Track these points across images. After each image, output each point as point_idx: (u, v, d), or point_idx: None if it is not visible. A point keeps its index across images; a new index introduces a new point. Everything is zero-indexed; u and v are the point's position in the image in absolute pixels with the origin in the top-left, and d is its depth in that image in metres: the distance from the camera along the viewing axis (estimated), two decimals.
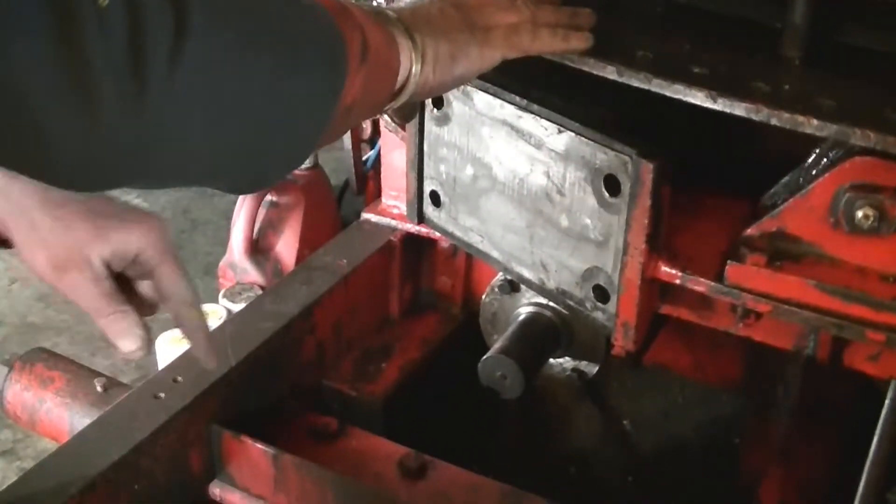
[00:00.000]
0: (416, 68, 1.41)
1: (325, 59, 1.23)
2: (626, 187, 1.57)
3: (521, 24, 1.51)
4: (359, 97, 1.30)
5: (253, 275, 3.14)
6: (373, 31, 1.32)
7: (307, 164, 3.22)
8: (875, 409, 1.64)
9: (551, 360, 2.08)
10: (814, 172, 1.55)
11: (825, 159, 1.54)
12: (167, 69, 1.01)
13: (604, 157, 1.58)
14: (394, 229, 2.35)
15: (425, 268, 2.43)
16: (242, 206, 3.33)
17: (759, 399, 2.09)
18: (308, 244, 3.07)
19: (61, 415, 2.20)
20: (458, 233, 1.89)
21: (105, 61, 0.96)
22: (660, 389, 2.29)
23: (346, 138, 3.19)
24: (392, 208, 2.36)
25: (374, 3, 1.57)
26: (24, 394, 2.26)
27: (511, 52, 1.50)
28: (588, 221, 1.64)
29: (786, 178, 1.63)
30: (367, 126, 3.27)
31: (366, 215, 2.41)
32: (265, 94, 1.16)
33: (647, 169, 1.52)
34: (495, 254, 1.83)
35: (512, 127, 1.70)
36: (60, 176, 1.08)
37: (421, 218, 1.96)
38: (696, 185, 1.74)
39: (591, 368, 2.07)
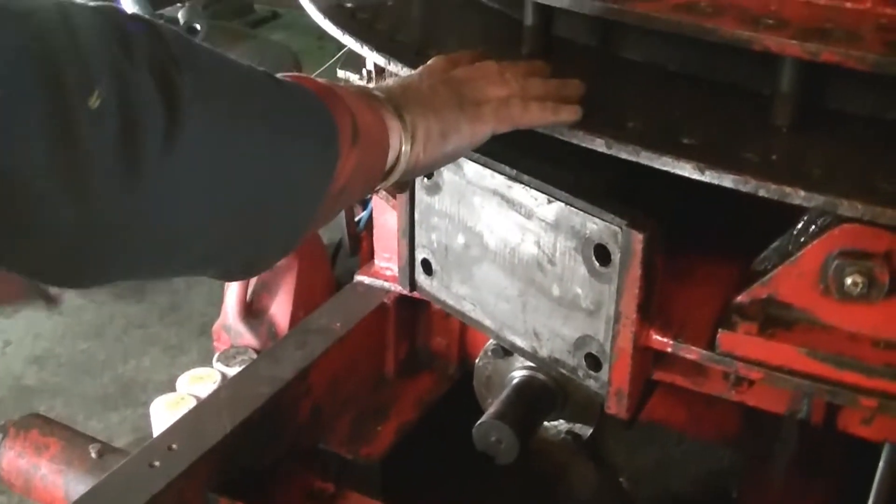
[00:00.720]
0: (406, 148, 1.41)
1: (317, 143, 1.25)
2: (616, 257, 1.57)
3: (511, 98, 1.52)
4: (350, 179, 1.31)
5: (247, 337, 3.14)
6: (363, 112, 1.34)
7: None
8: (871, 464, 1.64)
9: (546, 423, 2.08)
10: (803, 239, 1.55)
11: (814, 225, 1.55)
12: (159, 161, 1.02)
13: (594, 226, 1.59)
14: (387, 291, 2.36)
15: (420, 328, 2.44)
16: None
17: (755, 453, 2.09)
18: (302, 306, 3.07)
19: (56, 482, 2.21)
20: (450, 301, 1.89)
21: (99, 158, 0.98)
22: (656, 444, 2.29)
23: None
24: (385, 270, 2.37)
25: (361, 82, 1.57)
26: (18, 460, 2.26)
27: (501, 127, 1.51)
28: (579, 290, 1.65)
29: (776, 243, 1.63)
30: None
31: (359, 277, 2.42)
32: (258, 181, 1.17)
33: (638, 239, 1.53)
34: (487, 322, 1.84)
35: (502, 196, 1.70)
36: (55, 270, 1.08)
37: (413, 286, 1.96)
38: (689, 245, 1.74)
39: (586, 430, 2.07)
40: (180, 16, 5.03)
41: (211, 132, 1.09)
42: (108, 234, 1.03)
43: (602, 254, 1.60)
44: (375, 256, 2.45)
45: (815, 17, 1.44)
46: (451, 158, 1.53)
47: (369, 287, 2.41)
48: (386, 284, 2.37)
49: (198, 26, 4.98)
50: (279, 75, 1.29)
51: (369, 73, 2.25)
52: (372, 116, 1.37)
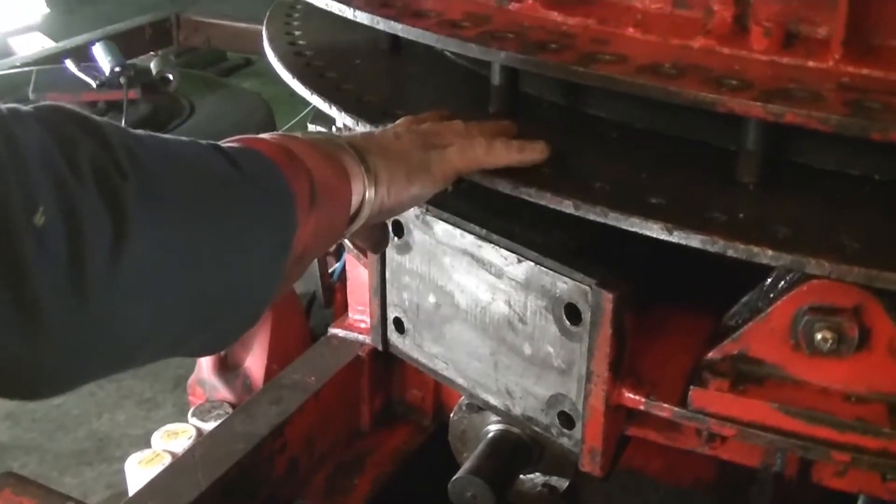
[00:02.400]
0: (369, 193, 1.41)
1: (272, 223, 1.24)
2: (586, 316, 1.57)
3: (476, 140, 1.54)
4: (311, 241, 1.30)
5: (223, 391, 3.13)
6: (321, 168, 1.33)
7: None
8: None
9: (522, 475, 2.07)
10: (772, 294, 1.56)
11: (783, 281, 1.55)
12: (107, 275, 1.00)
13: (564, 286, 1.59)
14: (362, 344, 2.37)
15: (395, 380, 2.44)
16: None
17: (733, 499, 2.09)
18: (277, 359, 3.06)
19: None
20: (422, 359, 1.89)
21: (44, 276, 0.95)
22: (634, 492, 2.29)
23: None
24: (359, 323, 2.37)
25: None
26: None
27: (466, 166, 1.53)
28: (551, 349, 1.65)
29: (746, 298, 1.64)
30: None
31: (333, 330, 2.42)
32: (211, 277, 1.16)
33: (608, 298, 1.53)
34: (460, 380, 1.83)
35: (472, 256, 1.70)
36: (6, 390, 1.05)
37: (385, 345, 1.96)
38: (661, 297, 1.75)
39: (562, 483, 2.07)
40: (152, 65, 5.03)
41: (159, 239, 1.07)
42: (59, 353, 1.00)
43: (572, 313, 1.60)
44: (349, 309, 2.45)
45: (778, 76, 1.45)
46: (417, 200, 1.53)
47: (343, 340, 2.41)
48: (360, 337, 2.37)
49: (170, 76, 4.98)
50: (230, 142, 1.29)
51: (339, 129, 2.25)
52: (332, 169, 1.37)
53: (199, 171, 1.17)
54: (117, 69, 4.79)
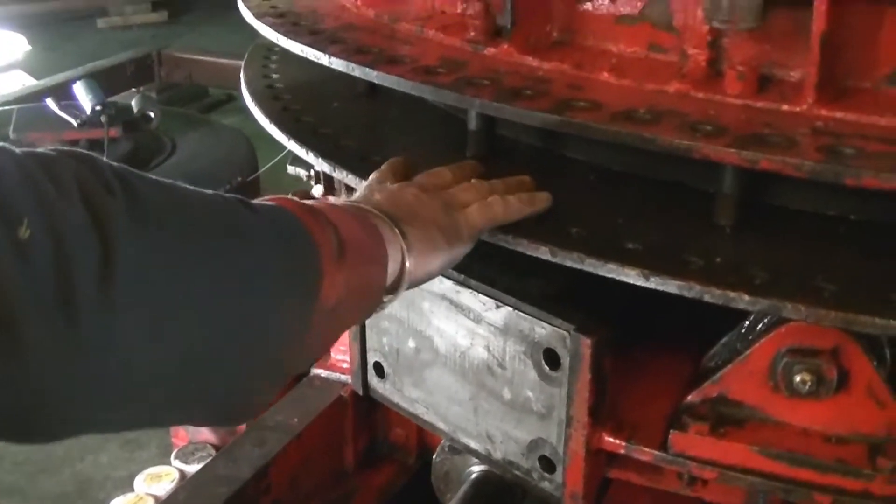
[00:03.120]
0: (409, 260, 1.39)
1: (291, 260, 1.18)
2: (565, 361, 1.57)
3: (490, 198, 1.53)
4: (343, 296, 1.24)
5: (205, 433, 3.11)
6: (350, 226, 1.30)
7: None
8: None
9: None
10: (751, 336, 1.56)
11: (762, 323, 1.55)
12: (97, 296, 0.92)
13: (542, 331, 1.59)
14: (344, 384, 2.35)
15: (379, 419, 2.43)
16: None
17: None
18: None
19: None
20: (403, 404, 1.89)
21: (27, 291, 0.88)
22: None
23: None
24: (341, 363, 2.36)
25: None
26: None
27: (489, 225, 1.52)
28: (530, 394, 1.65)
29: (725, 339, 1.64)
30: None
31: (315, 370, 2.41)
32: (217, 308, 1.06)
33: (586, 343, 1.53)
34: (441, 425, 1.83)
35: (451, 301, 1.70)
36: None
37: (366, 389, 1.96)
38: (640, 338, 1.75)
39: None
40: (134, 103, 5.03)
41: (153, 262, 0.98)
42: (46, 382, 0.92)
43: (551, 358, 1.60)
44: (331, 349, 2.44)
45: (753, 120, 1.45)
46: (449, 265, 1.51)
47: (326, 380, 2.40)
48: (343, 377, 2.36)
49: (151, 114, 4.98)
50: (258, 200, 1.24)
51: (318, 173, 2.25)
52: (363, 228, 1.33)
53: (198, 202, 1.11)
54: (98, 107, 4.79)
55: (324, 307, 1.21)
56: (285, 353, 1.21)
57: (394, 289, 1.40)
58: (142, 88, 6.61)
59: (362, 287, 1.32)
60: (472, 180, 1.58)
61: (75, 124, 4.79)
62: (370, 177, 1.62)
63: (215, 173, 4.72)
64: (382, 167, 1.64)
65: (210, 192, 1.16)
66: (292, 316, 1.18)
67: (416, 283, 1.45)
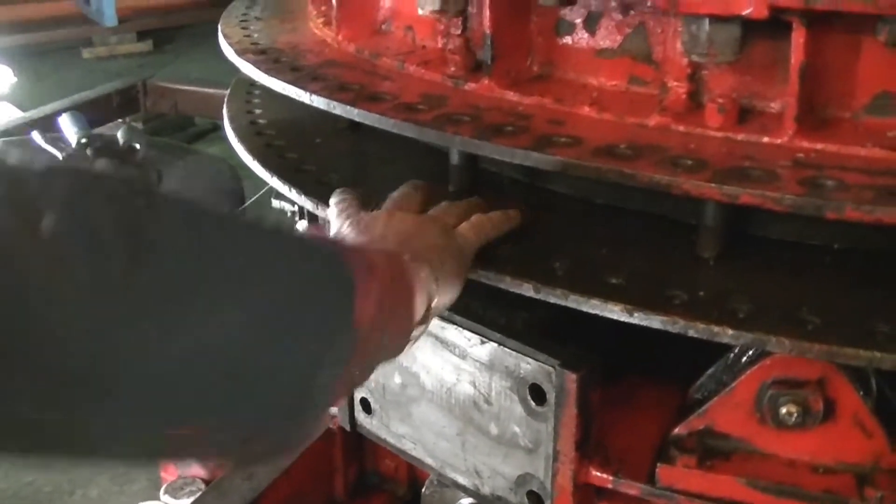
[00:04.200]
0: (433, 288, 1.38)
1: (328, 283, 1.16)
2: (551, 396, 1.57)
3: (474, 217, 1.56)
4: (377, 318, 1.20)
5: (195, 467, 3.10)
6: (373, 254, 1.30)
7: None
8: None
9: None
10: (737, 367, 1.56)
11: (747, 354, 1.55)
12: (126, 282, 0.89)
13: (527, 366, 1.59)
14: (333, 416, 2.33)
15: (368, 450, 2.42)
16: None
17: None
18: None
19: None
20: (390, 439, 1.88)
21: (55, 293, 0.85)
22: None
23: None
24: None
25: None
26: None
27: (483, 242, 1.54)
28: (517, 429, 1.64)
29: (712, 369, 1.64)
30: None
31: None
32: (242, 326, 1.01)
33: (572, 379, 1.53)
34: (429, 460, 1.82)
35: (436, 337, 1.70)
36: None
37: (353, 425, 1.95)
38: (628, 369, 1.74)
39: None
40: (119, 135, 5.01)
41: (180, 260, 0.94)
42: (70, 374, 0.87)
43: (537, 393, 1.59)
44: None
45: (733, 153, 1.46)
46: (457, 295, 1.49)
47: None
48: (332, 409, 2.35)
49: (137, 146, 4.97)
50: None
51: (302, 208, 2.25)
52: (388, 260, 1.31)
53: (225, 217, 1.08)
54: (83, 140, 4.77)
55: (360, 327, 1.17)
56: (326, 375, 1.14)
57: (423, 321, 1.39)
58: (128, 119, 6.59)
59: (395, 308, 1.28)
60: (443, 203, 1.59)
61: (61, 157, 4.77)
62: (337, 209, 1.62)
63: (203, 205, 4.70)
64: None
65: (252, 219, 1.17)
66: (324, 346, 1.12)
67: (436, 315, 1.46)
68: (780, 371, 1.50)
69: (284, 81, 1.84)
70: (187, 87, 6.70)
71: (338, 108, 1.72)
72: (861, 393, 1.51)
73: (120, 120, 6.46)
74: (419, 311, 1.36)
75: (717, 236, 1.54)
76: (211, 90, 6.10)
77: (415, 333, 1.39)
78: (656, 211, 1.66)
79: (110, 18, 9.79)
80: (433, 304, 1.40)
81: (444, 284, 1.41)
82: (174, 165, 5.12)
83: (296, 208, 2.27)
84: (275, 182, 1.89)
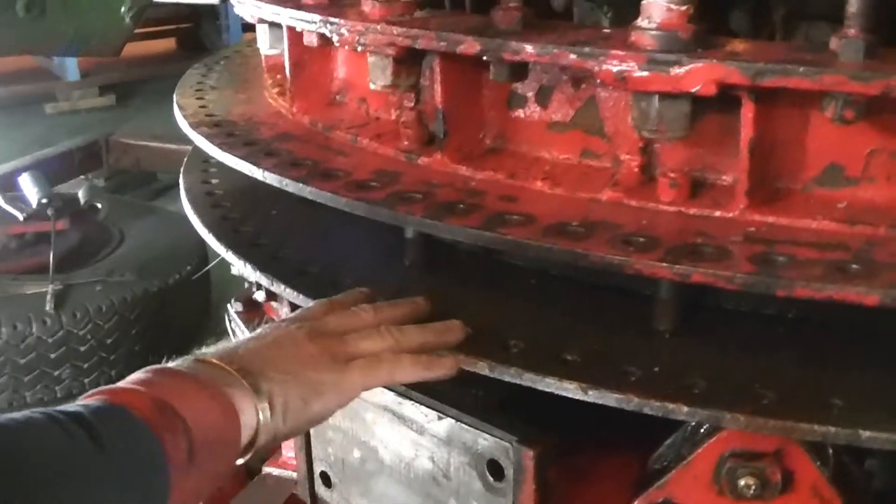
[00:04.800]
0: (263, 418, 1.37)
1: (138, 490, 1.20)
2: (509, 472, 1.56)
3: (383, 353, 1.50)
4: (191, 495, 1.27)
5: None
6: (204, 414, 1.30)
7: None
8: None
9: None
10: (695, 440, 1.55)
11: (705, 426, 1.55)
12: None
13: (485, 442, 1.58)
14: (296, 482, 2.32)
15: None
16: None
17: None
18: (212, 500, 3.01)
19: None
20: None
21: None
22: None
23: None
24: (292, 460, 2.33)
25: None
26: None
27: (371, 384, 1.50)
28: None
29: (671, 439, 1.63)
30: None
31: (267, 469, 2.38)
32: None
33: (529, 455, 1.52)
34: None
35: (394, 413, 1.69)
36: None
37: (313, 499, 1.94)
38: (586, 441, 1.74)
39: None
40: (80, 194, 5.00)
41: None
42: None
43: (495, 469, 1.59)
44: (282, 447, 2.41)
45: (686, 229, 1.46)
46: (316, 422, 1.49)
47: (278, 479, 2.38)
48: (295, 475, 2.33)
49: (98, 204, 4.96)
50: (99, 394, 1.25)
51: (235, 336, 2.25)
52: (217, 411, 1.32)
53: (34, 450, 1.14)
54: (44, 200, 4.75)
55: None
56: None
57: (245, 452, 1.39)
58: (90, 176, 6.58)
59: (211, 478, 1.33)
60: (382, 327, 1.53)
61: (21, 218, 4.75)
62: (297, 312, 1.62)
63: (164, 264, 4.69)
64: (311, 304, 1.64)
65: (39, 421, 1.17)
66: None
67: (272, 443, 1.44)
68: (737, 443, 1.50)
69: (238, 157, 1.84)
70: (150, 143, 6.69)
71: (290, 186, 1.71)
72: (818, 463, 1.50)
73: (82, 176, 6.44)
74: (244, 441, 1.37)
75: (672, 309, 1.54)
76: (174, 146, 6.07)
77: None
78: (612, 283, 1.65)
79: (73, 72, 9.80)
80: (259, 435, 1.38)
81: (284, 414, 1.40)
82: (137, 224, 5.11)
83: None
84: (230, 257, 1.89)
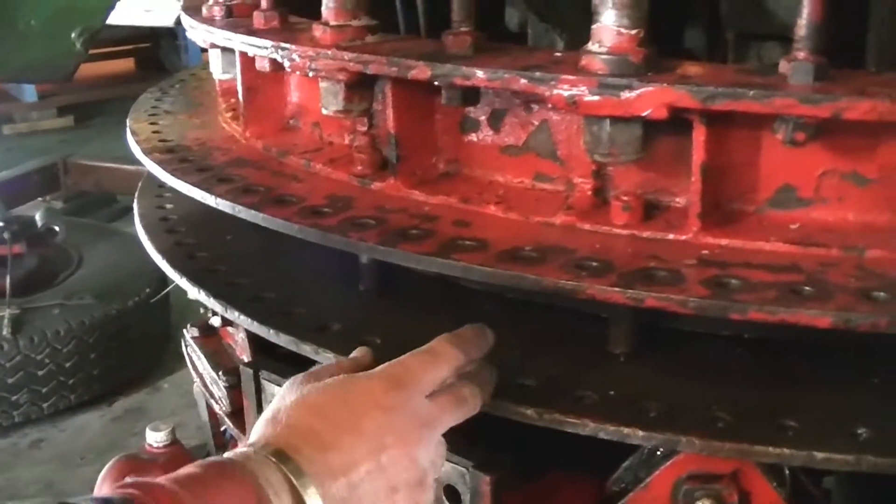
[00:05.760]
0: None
1: None
2: (466, 497, 1.55)
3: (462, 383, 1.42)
4: None
5: None
6: None
7: (165, 440, 3.14)
8: None
9: None
10: (652, 462, 1.55)
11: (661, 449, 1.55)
12: None
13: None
14: None
15: None
16: (104, 482, 3.24)
17: None
18: None
19: None
20: None
21: None
22: None
23: (203, 410, 3.14)
24: None
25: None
26: None
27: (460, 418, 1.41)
28: None
29: (629, 461, 1.63)
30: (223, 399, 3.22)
31: None
32: None
33: (485, 481, 1.51)
34: None
35: None
36: None
37: None
38: (544, 465, 1.73)
39: None
40: (38, 217, 4.98)
41: None
42: None
43: (452, 495, 1.57)
44: None
45: (640, 253, 1.46)
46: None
47: None
48: None
49: (56, 227, 4.93)
50: (124, 488, 1.13)
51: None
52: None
53: None
54: (0, 223, 4.72)
55: None
56: None
57: None
58: (48, 198, 6.54)
59: None
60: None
61: None
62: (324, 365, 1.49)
63: (123, 287, 4.67)
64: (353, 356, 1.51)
65: None
66: None
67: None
68: (694, 466, 1.50)
69: (190, 184, 1.83)
70: (109, 165, 6.66)
71: (243, 213, 1.70)
72: (775, 484, 1.50)
73: (40, 199, 6.41)
74: None
75: (627, 332, 1.55)
76: (133, 167, 6.04)
77: None
78: (568, 306, 1.65)
79: (30, 93, 9.74)
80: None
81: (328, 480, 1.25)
82: (96, 247, 5.08)
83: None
84: (184, 283, 1.87)
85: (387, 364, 1.38)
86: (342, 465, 1.25)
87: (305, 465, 1.22)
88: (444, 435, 1.41)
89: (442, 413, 1.36)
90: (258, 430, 1.28)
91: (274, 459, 1.21)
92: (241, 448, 1.25)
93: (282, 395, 1.33)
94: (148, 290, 4.66)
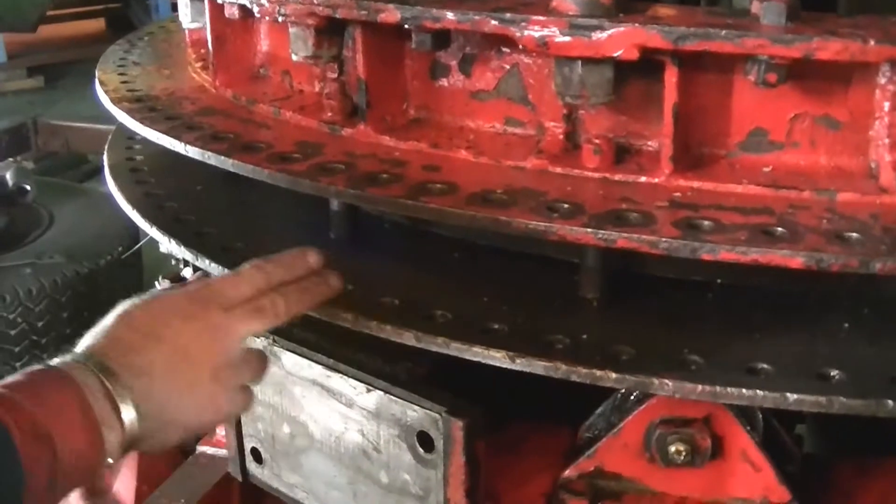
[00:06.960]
0: (130, 430, 1.33)
1: None
2: (439, 444, 1.55)
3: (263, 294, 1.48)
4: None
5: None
6: (71, 438, 1.26)
7: None
8: None
9: None
10: (624, 408, 1.55)
11: (635, 394, 1.55)
12: None
13: (414, 414, 1.57)
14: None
15: (267, 494, 2.38)
16: None
17: None
18: (146, 480, 2.98)
19: None
20: (283, 489, 1.86)
21: None
22: None
23: None
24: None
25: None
26: None
27: (263, 323, 1.48)
28: (407, 477, 1.62)
29: (601, 408, 1.63)
30: None
31: (201, 448, 2.35)
32: None
33: (458, 426, 1.51)
34: None
35: (322, 386, 1.67)
36: None
37: (245, 475, 1.92)
38: (517, 413, 1.73)
39: None
40: (8, 176, 4.93)
41: None
42: None
43: (425, 440, 1.57)
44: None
45: (611, 195, 1.45)
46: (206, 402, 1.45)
47: (213, 457, 2.35)
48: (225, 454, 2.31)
49: (27, 186, 4.89)
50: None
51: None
52: (82, 437, 1.27)
53: None
54: None
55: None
56: None
57: (126, 450, 1.36)
58: (18, 158, 6.49)
59: (72, 486, 1.32)
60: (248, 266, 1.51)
61: None
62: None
63: (95, 246, 4.63)
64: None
65: None
66: None
67: (158, 432, 1.40)
68: (666, 410, 1.50)
69: (159, 131, 1.81)
70: (79, 125, 6.61)
71: (212, 159, 1.69)
72: (748, 428, 1.51)
73: (10, 159, 6.35)
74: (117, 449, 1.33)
75: (599, 277, 1.54)
76: (104, 126, 5.97)
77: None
78: (539, 252, 1.65)
79: (0, 54, 9.66)
80: (133, 439, 1.35)
81: (157, 411, 1.37)
82: (66, 206, 5.04)
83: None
84: (154, 233, 1.86)
85: (195, 281, 1.56)
86: (142, 365, 1.37)
87: (115, 367, 1.35)
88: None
89: (237, 322, 1.44)
90: (83, 342, 1.41)
91: (89, 364, 1.34)
92: (65, 357, 1.37)
93: (110, 313, 1.48)
94: (120, 248, 4.63)
